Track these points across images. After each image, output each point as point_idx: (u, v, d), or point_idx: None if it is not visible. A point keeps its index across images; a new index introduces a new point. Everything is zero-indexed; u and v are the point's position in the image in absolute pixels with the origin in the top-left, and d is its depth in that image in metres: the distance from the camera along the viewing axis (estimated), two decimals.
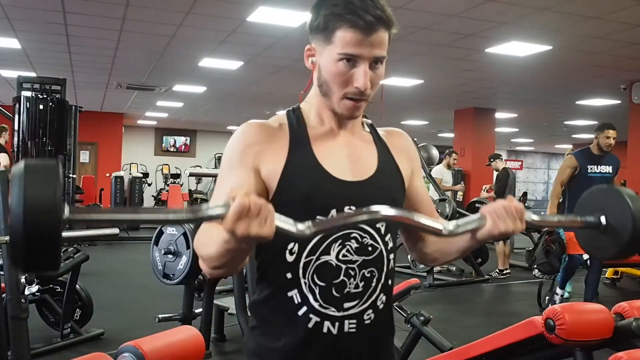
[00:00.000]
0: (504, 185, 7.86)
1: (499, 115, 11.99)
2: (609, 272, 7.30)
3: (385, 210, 1.01)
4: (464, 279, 7.13)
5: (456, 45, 6.57)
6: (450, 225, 1.05)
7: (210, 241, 1.01)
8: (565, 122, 13.74)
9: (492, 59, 7.12)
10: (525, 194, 12.65)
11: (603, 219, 1.17)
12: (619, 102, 9.69)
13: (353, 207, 1.11)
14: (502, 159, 8.18)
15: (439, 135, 16.87)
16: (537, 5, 5.12)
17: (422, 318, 2.97)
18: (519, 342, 2.25)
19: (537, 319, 2.15)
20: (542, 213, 1.50)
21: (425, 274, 6.57)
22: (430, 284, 6.47)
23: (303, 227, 0.95)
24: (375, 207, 1.01)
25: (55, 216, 0.80)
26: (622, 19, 5.39)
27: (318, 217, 1.06)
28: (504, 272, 7.55)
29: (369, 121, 1.28)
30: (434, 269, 6.70)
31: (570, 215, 1.25)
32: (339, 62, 1.10)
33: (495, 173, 8.23)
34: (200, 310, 3.95)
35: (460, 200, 9.63)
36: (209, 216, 0.90)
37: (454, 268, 7.45)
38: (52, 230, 0.79)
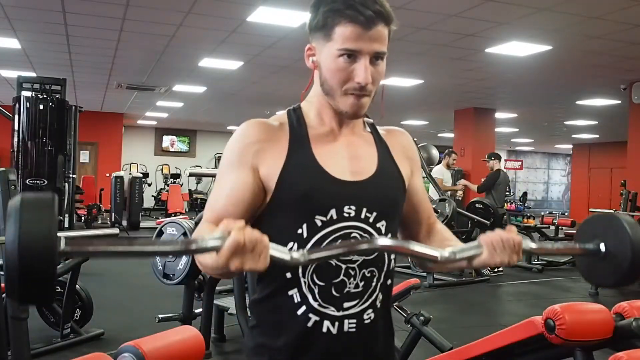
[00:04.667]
0: (490, 184, 7.87)
1: (499, 115, 11.98)
2: None
3: (383, 240, 1.08)
4: (464, 279, 7.12)
5: (456, 45, 6.57)
6: (447, 252, 1.06)
7: None
8: (565, 122, 13.74)
9: (492, 59, 7.12)
10: (525, 194, 12.65)
11: (602, 246, 1.16)
12: (619, 102, 9.68)
13: (353, 207, 1.11)
14: (500, 161, 8.18)
15: (439, 135, 16.87)
16: (537, 5, 5.12)
17: (422, 318, 2.97)
18: (519, 342, 2.24)
19: (537, 319, 2.15)
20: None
21: (425, 274, 6.56)
22: (430, 284, 6.47)
23: (297, 256, 0.97)
24: (373, 239, 1.09)
25: (50, 254, 0.80)
26: (622, 19, 5.39)
27: (314, 238, 1.10)
28: (498, 270, 7.61)
29: (370, 120, 1.26)
30: None
31: (570, 243, 1.24)
32: (339, 58, 1.09)
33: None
34: (200, 310, 3.95)
35: (460, 199, 9.62)
36: (203, 248, 0.91)
37: None
38: (47, 267, 0.80)
